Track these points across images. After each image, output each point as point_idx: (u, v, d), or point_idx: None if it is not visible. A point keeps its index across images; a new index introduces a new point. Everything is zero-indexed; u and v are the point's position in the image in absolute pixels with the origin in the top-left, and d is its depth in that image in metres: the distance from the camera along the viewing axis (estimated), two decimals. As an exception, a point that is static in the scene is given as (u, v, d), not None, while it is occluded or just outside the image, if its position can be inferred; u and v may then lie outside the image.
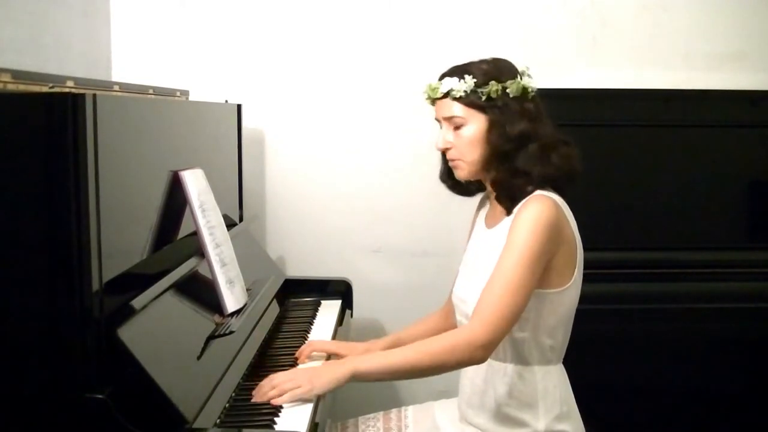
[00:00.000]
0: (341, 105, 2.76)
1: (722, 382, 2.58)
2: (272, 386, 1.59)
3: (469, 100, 1.68)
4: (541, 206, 1.62)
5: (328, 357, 1.89)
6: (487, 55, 1.77)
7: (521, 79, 1.70)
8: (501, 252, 1.62)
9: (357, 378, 1.59)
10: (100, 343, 1.34)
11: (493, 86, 1.66)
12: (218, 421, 1.50)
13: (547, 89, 2.52)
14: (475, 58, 1.75)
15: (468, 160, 1.71)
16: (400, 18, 2.73)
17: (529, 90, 1.70)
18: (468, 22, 2.72)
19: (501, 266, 1.60)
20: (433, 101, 1.74)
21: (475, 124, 1.69)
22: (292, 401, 1.57)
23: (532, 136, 1.66)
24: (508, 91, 1.67)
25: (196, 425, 1.39)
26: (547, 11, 2.74)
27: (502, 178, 1.69)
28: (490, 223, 1.78)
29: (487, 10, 2.73)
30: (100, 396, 1.30)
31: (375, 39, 2.74)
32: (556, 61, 2.73)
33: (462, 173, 1.74)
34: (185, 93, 2.47)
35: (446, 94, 1.70)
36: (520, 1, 2.73)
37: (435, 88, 1.72)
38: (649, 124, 2.55)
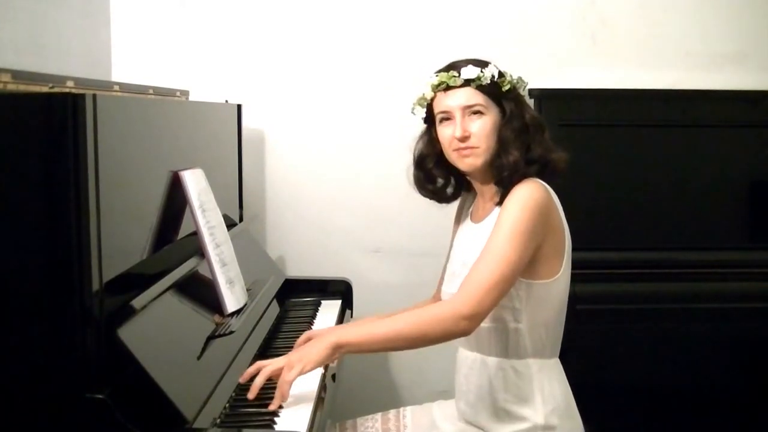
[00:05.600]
0: (341, 105, 2.76)
1: (722, 382, 2.58)
2: (262, 374, 1.55)
3: (490, 89, 1.73)
4: (531, 187, 1.66)
5: None
6: (487, 56, 1.78)
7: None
8: (493, 229, 1.65)
9: (342, 348, 1.57)
10: (100, 343, 1.33)
11: (510, 78, 1.74)
12: (218, 421, 1.49)
13: (546, 89, 2.55)
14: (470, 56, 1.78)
15: (485, 148, 1.72)
16: (399, 18, 2.73)
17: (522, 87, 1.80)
18: (468, 23, 2.72)
19: (490, 241, 1.63)
20: (447, 88, 1.73)
21: (492, 113, 1.73)
22: (289, 386, 1.53)
23: (542, 125, 1.75)
24: (518, 86, 1.76)
25: (196, 425, 1.39)
26: (547, 11, 2.74)
27: (514, 165, 1.69)
28: (478, 217, 1.80)
29: (487, 11, 2.73)
30: (100, 396, 1.30)
31: (375, 39, 2.74)
32: (556, 61, 2.73)
33: (479, 161, 1.73)
34: (185, 93, 2.47)
35: (467, 83, 1.72)
36: (521, 0, 2.73)
37: (452, 77, 1.72)
38: (649, 124, 2.55)
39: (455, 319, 1.57)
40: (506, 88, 1.73)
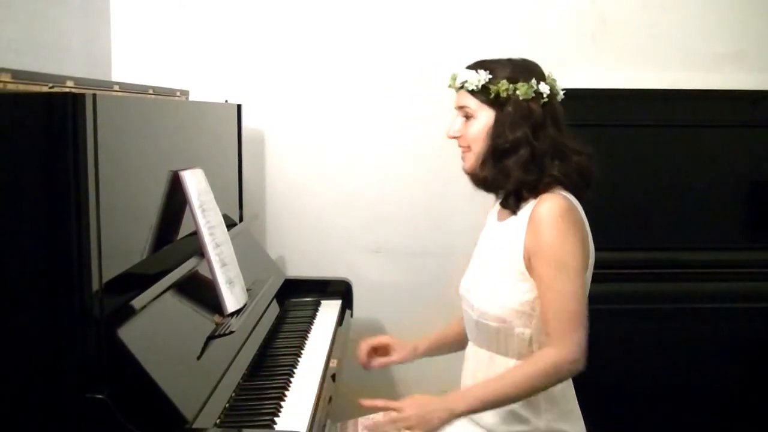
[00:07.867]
0: (341, 105, 2.76)
1: (722, 382, 2.57)
2: (392, 422, 1.62)
3: (480, 94, 1.72)
4: (557, 206, 1.64)
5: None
6: (486, 56, 1.78)
7: (538, 84, 1.71)
8: (540, 265, 1.63)
9: (460, 416, 1.62)
10: (100, 343, 1.34)
11: (503, 85, 1.69)
12: (218, 421, 1.50)
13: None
14: (501, 56, 1.78)
15: (474, 151, 1.74)
16: (399, 18, 2.73)
17: (543, 95, 1.71)
18: (468, 23, 2.72)
19: (551, 283, 1.62)
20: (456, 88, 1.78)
21: (484, 118, 1.73)
22: None
23: (528, 141, 1.68)
24: (518, 92, 1.69)
25: (196, 425, 1.39)
26: (548, 11, 2.74)
27: (493, 176, 1.71)
28: (502, 216, 1.79)
29: (487, 11, 2.73)
30: (100, 396, 1.30)
31: (375, 39, 2.73)
32: (556, 61, 2.68)
33: (467, 164, 1.77)
34: (185, 93, 2.47)
35: (462, 86, 1.74)
36: (521, 0, 2.73)
37: (454, 78, 1.77)
38: (649, 124, 2.55)
39: (565, 366, 1.61)
40: (503, 95, 1.69)
